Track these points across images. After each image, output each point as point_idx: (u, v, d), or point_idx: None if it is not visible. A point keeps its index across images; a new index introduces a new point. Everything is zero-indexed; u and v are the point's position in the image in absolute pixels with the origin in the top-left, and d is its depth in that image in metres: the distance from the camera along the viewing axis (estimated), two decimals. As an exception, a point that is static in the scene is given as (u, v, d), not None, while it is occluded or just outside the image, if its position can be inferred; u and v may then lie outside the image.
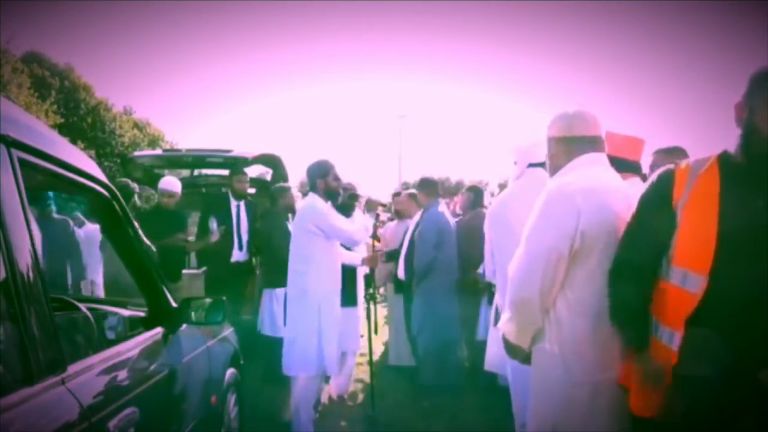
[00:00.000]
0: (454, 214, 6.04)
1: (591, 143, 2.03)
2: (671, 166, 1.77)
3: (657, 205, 1.73)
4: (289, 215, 5.04)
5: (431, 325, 4.90)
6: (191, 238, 5.61)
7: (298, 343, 3.74)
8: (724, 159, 1.68)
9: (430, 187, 5.23)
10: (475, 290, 4.82)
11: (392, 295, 5.91)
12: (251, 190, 6.60)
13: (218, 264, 5.22)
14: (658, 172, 1.79)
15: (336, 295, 3.86)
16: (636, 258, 1.75)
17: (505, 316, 2.06)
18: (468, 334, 4.96)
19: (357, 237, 3.96)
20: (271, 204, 5.25)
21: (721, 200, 1.60)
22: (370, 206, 4.10)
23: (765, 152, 1.58)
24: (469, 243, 4.84)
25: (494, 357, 3.05)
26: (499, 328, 2.14)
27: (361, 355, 6.04)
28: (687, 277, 1.62)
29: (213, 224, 5.05)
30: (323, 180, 3.88)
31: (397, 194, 6.26)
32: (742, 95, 1.65)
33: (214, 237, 4.98)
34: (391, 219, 7.26)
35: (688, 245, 1.64)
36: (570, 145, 2.03)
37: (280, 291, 4.81)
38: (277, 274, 4.95)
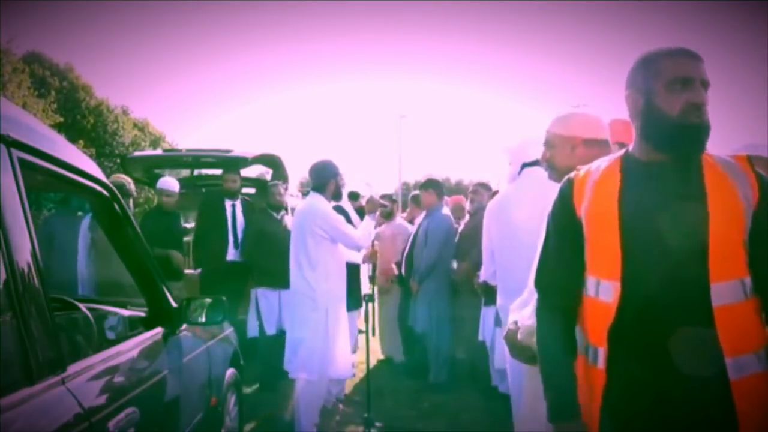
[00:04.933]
0: (462, 214, 6.07)
1: (608, 146, 2.11)
2: (571, 175, 1.66)
3: (562, 221, 1.63)
4: (273, 212, 5.07)
5: (442, 325, 4.99)
6: (187, 239, 5.61)
7: (304, 345, 3.73)
8: (626, 158, 1.59)
9: (436, 188, 5.35)
10: (474, 291, 4.83)
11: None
12: (251, 190, 6.60)
13: (214, 263, 5.22)
14: (560, 183, 1.69)
15: (343, 298, 3.87)
16: (552, 285, 1.64)
17: (525, 315, 2.03)
18: (468, 335, 4.98)
19: (361, 243, 3.97)
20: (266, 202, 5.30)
21: (622, 202, 1.51)
22: (371, 207, 4.13)
23: (678, 135, 1.47)
24: (476, 245, 4.86)
25: (501, 355, 3.07)
26: (507, 328, 2.13)
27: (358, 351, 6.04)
28: (600, 287, 1.52)
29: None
30: (335, 181, 3.88)
31: (389, 197, 6.30)
32: (629, 86, 1.57)
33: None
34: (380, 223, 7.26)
35: (596, 253, 1.54)
36: (598, 147, 2.07)
37: (265, 291, 4.85)
38: (261, 275, 4.98)
